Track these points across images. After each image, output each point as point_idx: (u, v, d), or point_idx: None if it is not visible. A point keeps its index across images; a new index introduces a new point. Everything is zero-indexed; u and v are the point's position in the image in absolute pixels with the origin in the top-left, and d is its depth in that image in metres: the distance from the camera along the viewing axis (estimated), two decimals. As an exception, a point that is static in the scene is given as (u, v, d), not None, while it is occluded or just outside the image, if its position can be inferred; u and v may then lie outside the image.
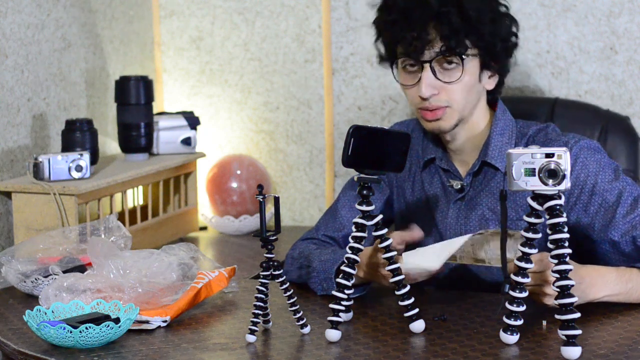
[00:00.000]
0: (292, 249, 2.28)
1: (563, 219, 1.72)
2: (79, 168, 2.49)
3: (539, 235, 1.77)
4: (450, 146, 2.20)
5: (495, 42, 2.11)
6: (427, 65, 2.09)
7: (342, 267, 1.84)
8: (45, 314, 1.89)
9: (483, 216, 2.16)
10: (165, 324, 1.94)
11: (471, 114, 2.16)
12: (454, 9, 2.06)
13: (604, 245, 2.06)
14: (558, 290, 1.72)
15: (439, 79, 2.10)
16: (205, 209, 3.08)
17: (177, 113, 2.96)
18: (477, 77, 2.13)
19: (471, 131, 2.18)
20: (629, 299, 1.98)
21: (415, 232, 2.06)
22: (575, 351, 1.71)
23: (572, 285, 1.72)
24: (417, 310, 1.88)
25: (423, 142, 2.26)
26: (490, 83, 2.17)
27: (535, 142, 2.16)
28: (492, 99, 2.22)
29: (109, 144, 2.99)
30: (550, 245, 1.73)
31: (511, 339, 1.80)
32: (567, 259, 1.73)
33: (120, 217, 2.58)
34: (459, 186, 2.18)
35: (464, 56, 2.08)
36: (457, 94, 2.11)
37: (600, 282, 1.94)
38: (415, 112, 2.18)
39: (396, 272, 1.86)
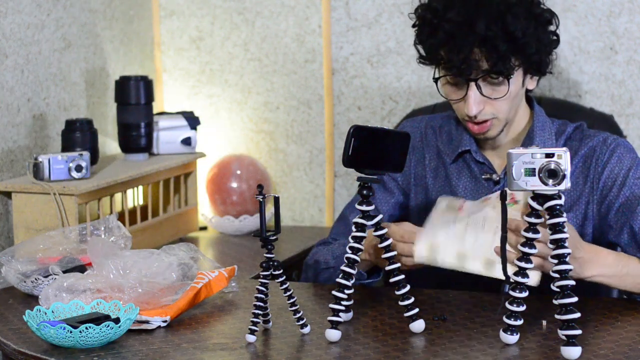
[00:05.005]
0: (309, 257, 2.35)
1: (563, 219, 1.72)
2: (79, 168, 2.49)
3: (539, 235, 1.77)
4: (492, 144, 2.22)
5: (541, 55, 2.11)
6: (472, 84, 2.10)
7: (342, 267, 1.84)
8: (45, 314, 1.89)
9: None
10: (165, 324, 1.94)
11: (515, 116, 2.19)
12: (500, 32, 2.05)
13: (623, 236, 2.10)
14: (558, 290, 1.72)
15: (484, 95, 2.11)
16: (205, 209, 3.08)
17: (177, 113, 2.96)
18: (521, 84, 2.14)
19: (513, 130, 2.21)
20: (621, 284, 2.00)
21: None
22: (575, 351, 1.71)
23: (573, 285, 1.72)
24: (417, 310, 1.88)
25: (452, 135, 2.26)
26: (532, 83, 2.18)
27: (573, 139, 2.21)
28: (527, 94, 2.23)
29: (109, 144, 2.99)
30: (550, 245, 1.74)
31: (511, 339, 1.80)
32: (567, 258, 1.73)
33: (120, 217, 2.57)
34: (497, 178, 2.20)
35: (511, 76, 2.08)
36: (503, 106, 2.12)
37: (596, 260, 1.97)
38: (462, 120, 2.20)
39: (396, 271, 1.86)
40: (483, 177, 2.21)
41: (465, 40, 2.06)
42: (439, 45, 2.10)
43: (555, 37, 2.16)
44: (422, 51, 2.18)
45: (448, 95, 2.16)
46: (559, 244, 1.72)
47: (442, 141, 2.29)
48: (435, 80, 2.16)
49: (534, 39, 2.08)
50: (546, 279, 1.90)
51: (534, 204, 1.74)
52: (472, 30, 2.05)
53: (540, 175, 1.72)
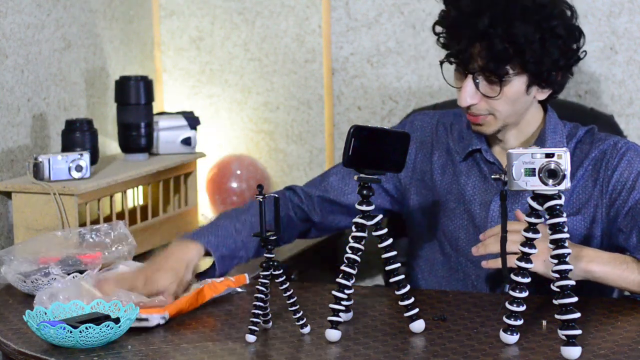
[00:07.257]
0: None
1: (563, 219, 1.72)
2: (79, 168, 2.49)
3: (539, 235, 1.77)
4: (501, 145, 2.21)
5: (542, 66, 2.07)
6: (470, 76, 2.10)
7: (342, 267, 1.84)
8: (45, 314, 1.89)
9: (527, 210, 2.17)
10: (164, 321, 1.94)
11: (521, 118, 2.17)
12: (501, 31, 2.04)
13: (632, 240, 2.09)
14: (558, 290, 1.72)
15: (480, 91, 2.10)
16: (205, 209, 3.08)
17: (177, 113, 2.96)
18: (523, 91, 2.11)
19: (523, 132, 2.19)
20: (622, 282, 2.00)
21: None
22: (575, 351, 1.71)
23: (573, 285, 1.72)
24: (417, 310, 1.88)
25: (463, 133, 2.26)
26: (542, 94, 2.15)
27: (584, 143, 2.19)
28: (544, 100, 2.21)
29: (109, 144, 2.99)
30: (550, 245, 1.74)
31: (511, 339, 1.80)
32: (567, 258, 1.73)
33: (120, 217, 2.58)
34: (507, 179, 2.19)
35: (503, 78, 2.07)
36: (499, 106, 2.11)
37: (592, 254, 1.99)
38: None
39: (396, 272, 1.86)
40: (492, 177, 2.21)
41: (466, 31, 2.07)
42: (446, 34, 2.13)
43: (569, 57, 2.11)
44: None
45: (453, 82, 2.16)
46: (558, 244, 1.72)
47: (452, 139, 2.28)
48: (440, 63, 2.16)
49: (538, 49, 2.06)
50: (546, 278, 1.91)
51: (534, 204, 1.74)
52: (475, 24, 2.05)
53: (540, 175, 1.72)
